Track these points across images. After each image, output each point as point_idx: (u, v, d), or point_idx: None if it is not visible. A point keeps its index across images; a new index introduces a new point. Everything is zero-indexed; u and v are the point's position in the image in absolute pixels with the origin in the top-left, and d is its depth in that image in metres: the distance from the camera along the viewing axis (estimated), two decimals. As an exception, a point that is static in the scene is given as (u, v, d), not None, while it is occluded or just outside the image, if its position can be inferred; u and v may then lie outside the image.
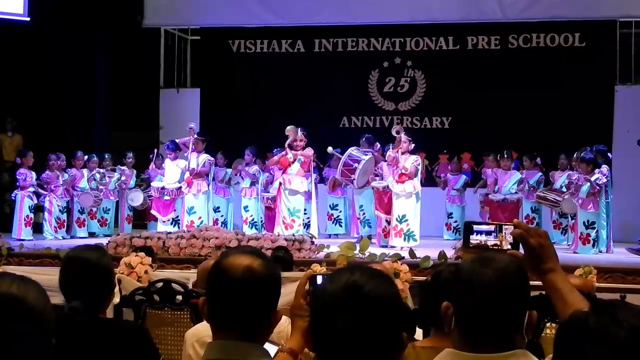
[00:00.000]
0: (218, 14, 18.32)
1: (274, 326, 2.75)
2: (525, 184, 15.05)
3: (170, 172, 15.20)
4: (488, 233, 2.90)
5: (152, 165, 15.92)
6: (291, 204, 13.57)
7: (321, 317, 2.27)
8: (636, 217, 15.45)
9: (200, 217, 14.42)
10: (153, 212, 15.39)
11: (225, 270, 2.69)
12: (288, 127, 13.74)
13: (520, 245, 2.79)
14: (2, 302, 2.04)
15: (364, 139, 14.55)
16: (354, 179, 13.87)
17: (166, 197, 15.08)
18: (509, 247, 2.83)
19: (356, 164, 13.77)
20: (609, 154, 14.36)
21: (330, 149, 14.82)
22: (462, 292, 2.55)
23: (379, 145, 14.56)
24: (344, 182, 14.66)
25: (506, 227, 2.87)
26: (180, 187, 14.97)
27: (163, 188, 15.10)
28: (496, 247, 2.85)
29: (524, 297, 2.54)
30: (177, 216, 15.05)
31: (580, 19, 17.05)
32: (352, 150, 13.93)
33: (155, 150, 16.18)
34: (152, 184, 15.66)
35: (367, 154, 13.96)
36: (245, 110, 18.29)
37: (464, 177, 16.45)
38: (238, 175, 16.19)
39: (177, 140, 15.17)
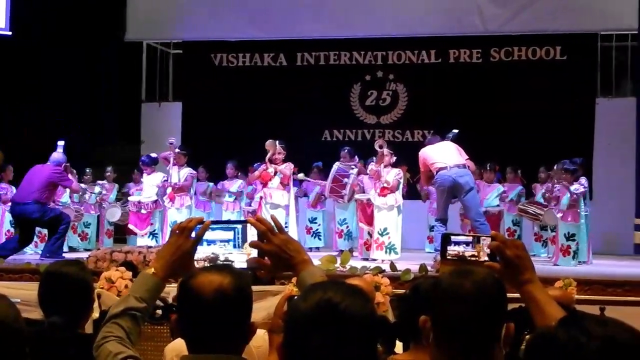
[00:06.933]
0: (200, 28, 18.33)
1: (250, 336, 2.74)
2: (507, 197, 15.13)
3: (147, 186, 15.20)
4: (466, 244, 2.91)
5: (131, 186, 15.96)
6: (272, 217, 13.53)
7: (295, 335, 2.24)
8: (617, 228, 15.53)
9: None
10: (130, 226, 15.35)
11: (195, 290, 2.66)
12: (267, 142, 13.76)
13: (498, 257, 2.80)
14: None
15: (345, 151, 14.54)
16: (344, 195, 13.90)
17: (143, 211, 15.08)
18: (487, 258, 2.84)
19: (345, 179, 13.80)
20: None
21: (301, 176, 14.91)
22: (440, 305, 2.55)
23: (357, 158, 14.57)
24: (333, 198, 14.65)
25: (483, 238, 2.88)
26: (157, 200, 14.98)
27: (139, 202, 15.12)
28: (474, 258, 2.86)
29: (501, 308, 2.53)
30: (155, 230, 15.04)
31: (561, 32, 17.17)
32: (339, 165, 13.96)
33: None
34: (129, 198, 15.66)
35: (353, 168, 13.99)
36: (227, 123, 18.27)
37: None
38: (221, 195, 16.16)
39: (157, 155, 15.14)
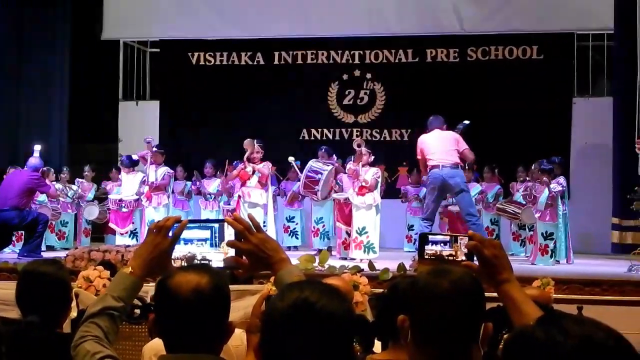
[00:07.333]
0: (177, 26, 18.28)
1: (229, 336, 2.73)
2: (485, 197, 15.18)
3: (127, 184, 15.13)
4: (443, 243, 2.91)
5: (109, 183, 15.88)
6: (250, 216, 13.49)
7: (272, 334, 2.24)
8: (594, 227, 15.59)
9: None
10: (111, 225, 15.29)
11: (173, 289, 2.65)
12: (245, 141, 13.73)
13: (475, 256, 2.80)
14: None
15: (322, 150, 14.51)
16: (317, 191, 13.83)
17: (124, 209, 15.02)
18: (464, 257, 2.85)
19: (319, 175, 13.73)
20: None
21: (291, 159, 14.86)
22: (417, 304, 2.54)
23: (335, 157, 14.57)
24: (307, 195, 14.60)
25: (461, 237, 2.88)
26: (139, 199, 14.91)
27: (121, 200, 15.05)
28: (451, 258, 2.87)
29: (478, 307, 2.54)
30: (136, 228, 14.98)
31: (538, 32, 17.21)
32: (313, 162, 13.90)
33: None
34: (109, 196, 15.57)
35: (328, 165, 13.95)
36: (204, 122, 18.25)
37: (424, 189, 16.47)
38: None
39: (135, 154, 15.08)
